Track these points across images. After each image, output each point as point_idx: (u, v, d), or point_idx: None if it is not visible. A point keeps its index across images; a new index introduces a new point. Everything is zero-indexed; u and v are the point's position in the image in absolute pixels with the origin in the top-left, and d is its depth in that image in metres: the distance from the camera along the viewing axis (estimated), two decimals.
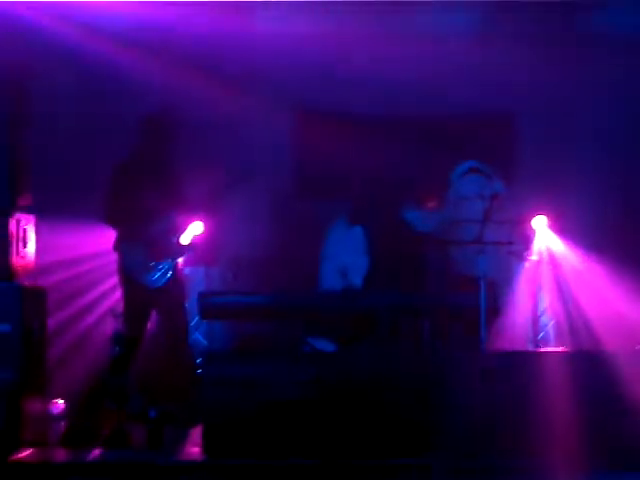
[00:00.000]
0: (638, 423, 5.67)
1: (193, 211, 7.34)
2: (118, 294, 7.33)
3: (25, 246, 6.33)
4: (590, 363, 5.86)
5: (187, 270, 9.33)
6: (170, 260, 7.23)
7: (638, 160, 8.43)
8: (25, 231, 6.35)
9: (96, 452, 5.96)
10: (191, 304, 9.38)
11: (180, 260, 7.39)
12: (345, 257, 7.25)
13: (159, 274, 7.20)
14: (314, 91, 9.30)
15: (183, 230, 7.33)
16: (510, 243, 6.99)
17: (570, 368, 5.80)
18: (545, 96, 9.42)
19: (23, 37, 7.10)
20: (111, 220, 7.19)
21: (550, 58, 9.38)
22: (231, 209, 8.54)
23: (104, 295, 7.73)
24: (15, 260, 6.16)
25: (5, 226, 6.12)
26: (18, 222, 6.28)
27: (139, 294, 7.14)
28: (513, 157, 9.69)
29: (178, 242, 7.28)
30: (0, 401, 5.74)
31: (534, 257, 7.74)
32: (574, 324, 7.59)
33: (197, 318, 9.26)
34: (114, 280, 7.34)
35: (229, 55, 8.77)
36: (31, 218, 6.47)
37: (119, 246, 7.21)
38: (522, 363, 5.96)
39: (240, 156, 8.59)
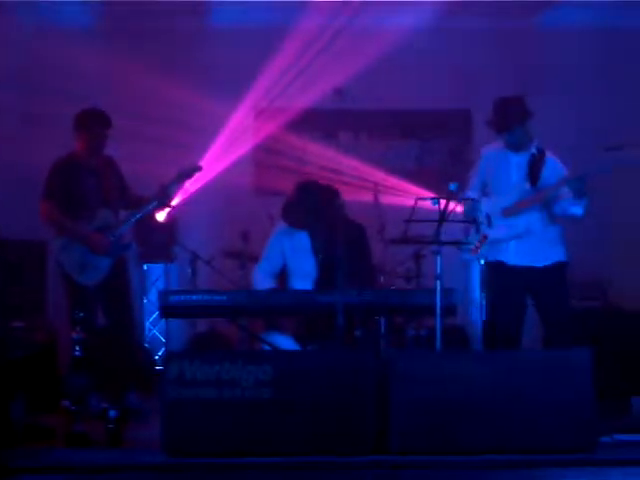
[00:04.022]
0: None
1: (136, 207, 7.39)
2: None
3: None
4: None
5: (145, 266, 9.46)
6: (108, 257, 7.25)
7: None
8: None
9: (55, 452, 5.98)
10: (150, 300, 9.50)
11: (121, 256, 7.41)
12: (291, 262, 7.28)
13: (96, 272, 7.21)
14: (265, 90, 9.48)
15: (122, 226, 7.36)
16: (465, 242, 7.02)
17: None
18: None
19: None
20: (47, 217, 7.22)
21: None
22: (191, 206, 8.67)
23: None
24: None
25: None
26: None
27: (78, 292, 7.18)
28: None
29: (117, 239, 7.30)
30: None
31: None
32: None
33: (155, 315, 9.37)
34: None
35: None
36: None
37: (54, 243, 7.24)
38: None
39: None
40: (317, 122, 9.98)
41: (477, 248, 6.85)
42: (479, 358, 6.29)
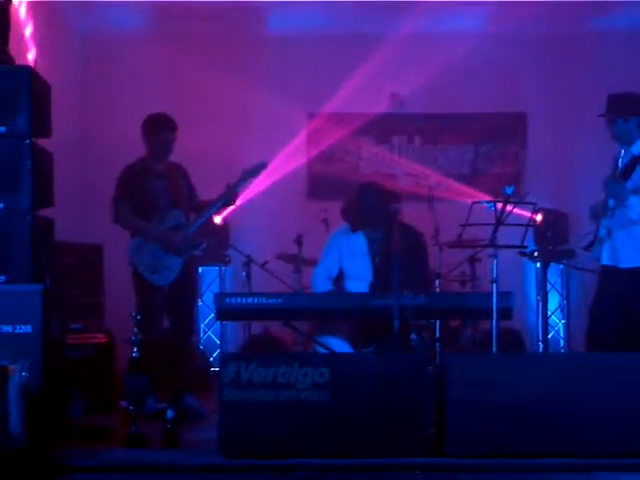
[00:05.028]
0: None
1: (205, 209, 7.43)
2: None
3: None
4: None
5: (200, 269, 9.50)
6: (179, 257, 7.29)
7: None
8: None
9: (112, 452, 6.02)
10: (205, 303, 9.57)
11: (190, 257, 7.45)
12: (347, 264, 7.31)
13: (168, 272, 7.26)
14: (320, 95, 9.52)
15: (193, 226, 7.40)
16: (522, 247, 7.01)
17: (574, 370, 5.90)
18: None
19: None
20: (119, 220, 7.29)
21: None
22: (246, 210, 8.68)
23: None
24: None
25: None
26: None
27: (150, 292, 7.23)
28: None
29: (188, 238, 7.34)
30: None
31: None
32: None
33: (210, 317, 9.44)
34: None
35: None
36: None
37: (128, 244, 7.30)
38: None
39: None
40: (371, 126, 10.00)
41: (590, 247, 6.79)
42: (536, 361, 6.27)
